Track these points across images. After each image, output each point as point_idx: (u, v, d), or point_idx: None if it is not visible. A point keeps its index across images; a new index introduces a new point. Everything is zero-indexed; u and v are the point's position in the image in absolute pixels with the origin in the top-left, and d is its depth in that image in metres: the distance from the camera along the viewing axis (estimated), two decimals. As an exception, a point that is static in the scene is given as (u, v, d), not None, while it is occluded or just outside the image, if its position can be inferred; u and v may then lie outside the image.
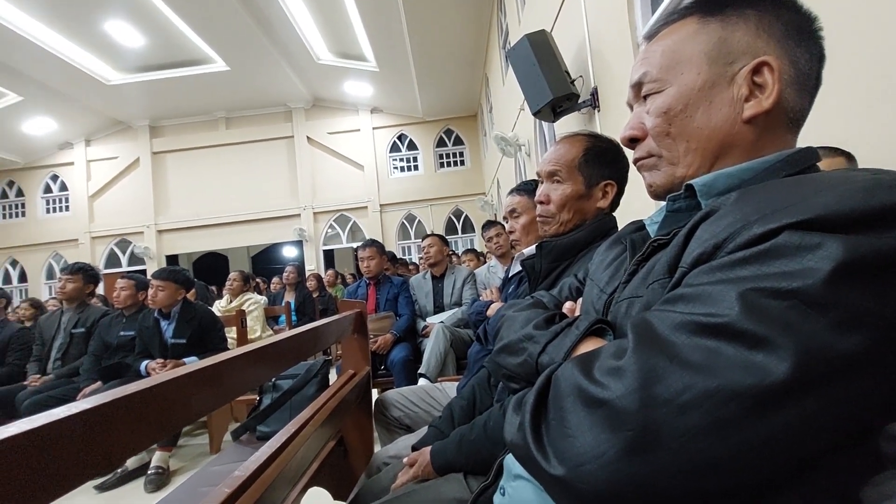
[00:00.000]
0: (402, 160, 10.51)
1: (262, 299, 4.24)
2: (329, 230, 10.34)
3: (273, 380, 1.88)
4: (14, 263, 10.50)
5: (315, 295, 5.43)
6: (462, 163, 10.51)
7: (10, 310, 3.81)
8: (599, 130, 2.60)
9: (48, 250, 10.37)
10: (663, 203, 0.55)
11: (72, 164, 10.39)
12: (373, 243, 2.95)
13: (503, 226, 2.70)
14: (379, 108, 10.25)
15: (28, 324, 3.59)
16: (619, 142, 0.61)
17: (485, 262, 3.95)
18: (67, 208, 10.47)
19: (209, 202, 10.17)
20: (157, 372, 2.44)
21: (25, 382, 2.80)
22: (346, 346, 1.63)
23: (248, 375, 0.75)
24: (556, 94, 2.70)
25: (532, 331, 0.56)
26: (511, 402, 0.46)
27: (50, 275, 10.22)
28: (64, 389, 2.55)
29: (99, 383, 2.52)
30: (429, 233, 3.30)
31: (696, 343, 0.33)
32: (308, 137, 10.26)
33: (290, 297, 4.95)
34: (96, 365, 2.64)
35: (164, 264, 9.72)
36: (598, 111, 2.64)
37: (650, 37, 0.56)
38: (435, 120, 10.28)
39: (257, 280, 6.69)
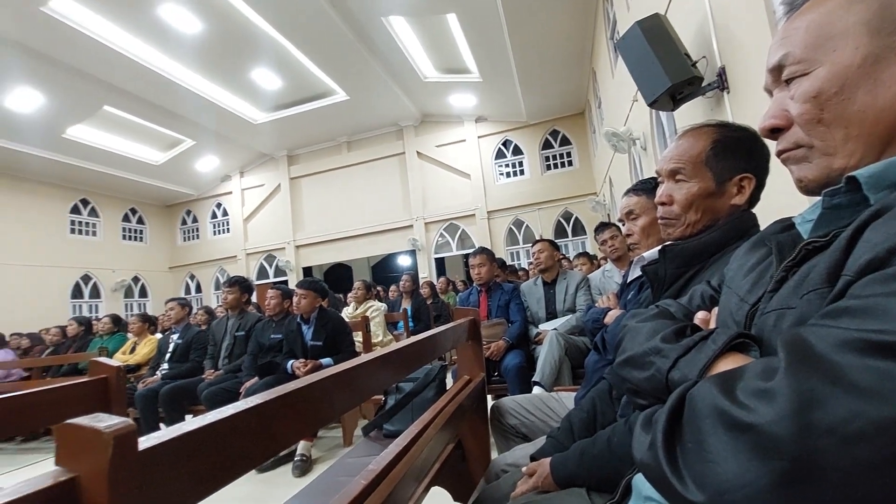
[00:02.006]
0: (507, 166, 10.52)
1: (383, 306, 4.57)
2: (439, 239, 10.76)
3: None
4: (192, 277, 12.87)
5: (429, 301, 5.68)
6: (570, 163, 10.15)
7: (191, 316, 4.66)
8: (730, 114, 2.31)
9: (215, 266, 12.53)
10: (817, 198, 0.48)
11: (230, 193, 12.44)
12: (483, 251, 3.00)
13: (618, 227, 2.54)
14: (483, 117, 10.43)
15: (203, 327, 4.36)
16: (758, 132, 0.54)
17: (598, 266, 3.75)
18: (228, 230, 12.54)
19: (336, 218, 11.33)
20: (301, 370, 2.78)
21: (203, 376, 3.41)
22: (461, 353, 1.68)
23: (379, 378, 0.83)
24: (674, 80, 2.47)
25: (660, 344, 0.52)
26: (639, 419, 0.44)
27: (217, 286, 12.30)
28: (231, 383, 3.05)
29: (256, 378, 2.96)
30: (538, 238, 3.25)
31: (865, 364, 0.29)
32: (418, 152, 10.84)
33: (406, 304, 5.25)
34: (253, 363, 3.10)
35: (301, 275, 11.08)
36: (728, 93, 2.35)
37: (789, 9, 0.49)
38: (540, 122, 10.12)
39: (378, 288, 7.22)
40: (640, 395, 0.53)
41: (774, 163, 0.74)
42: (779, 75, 0.49)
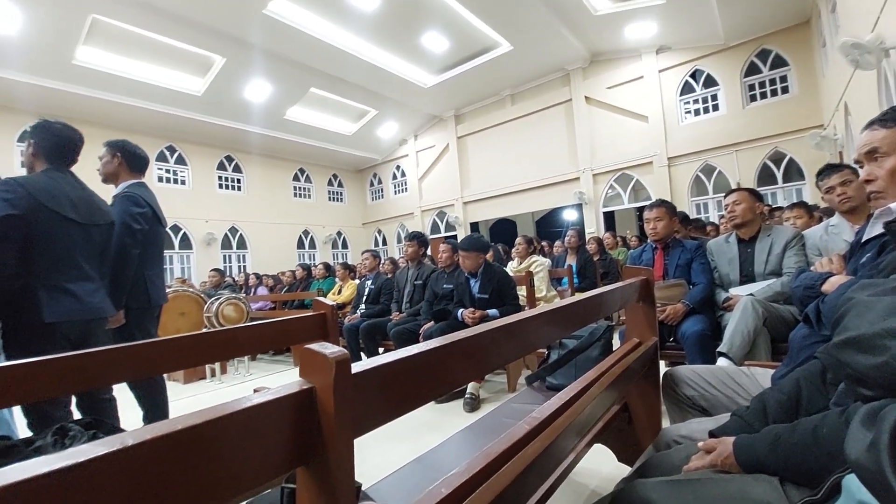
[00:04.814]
0: (696, 102, 8.94)
1: (547, 261, 4.55)
2: (609, 191, 9.99)
3: (559, 338, 2.03)
4: (379, 232, 14.87)
5: (595, 258, 5.42)
6: (784, 90, 8.06)
7: (380, 266, 5.44)
8: None
9: (396, 222, 14.19)
10: None
11: (407, 155, 13.69)
12: (661, 203, 2.70)
13: (854, 170, 1.98)
14: (666, 47, 8.97)
15: (389, 275, 5.04)
16: None
17: (819, 220, 3.00)
18: (406, 189, 13.95)
19: (500, 174, 11.50)
20: (469, 318, 3.03)
21: (391, 317, 3.99)
22: (630, 314, 1.59)
23: (544, 333, 0.85)
24: (975, -49, 1.71)
25: None
26: (860, 413, 0.37)
27: (399, 239, 13.96)
28: (412, 324, 3.51)
29: (432, 322, 3.34)
30: (734, 187, 2.74)
31: None
32: (586, 97, 10.04)
33: (571, 260, 5.12)
34: (430, 309, 3.50)
35: (469, 230, 11.76)
36: None
37: None
38: (743, 43, 8.21)
39: (542, 243, 7.18)
40: (863, 384, 0.44)
41: None
42: None
